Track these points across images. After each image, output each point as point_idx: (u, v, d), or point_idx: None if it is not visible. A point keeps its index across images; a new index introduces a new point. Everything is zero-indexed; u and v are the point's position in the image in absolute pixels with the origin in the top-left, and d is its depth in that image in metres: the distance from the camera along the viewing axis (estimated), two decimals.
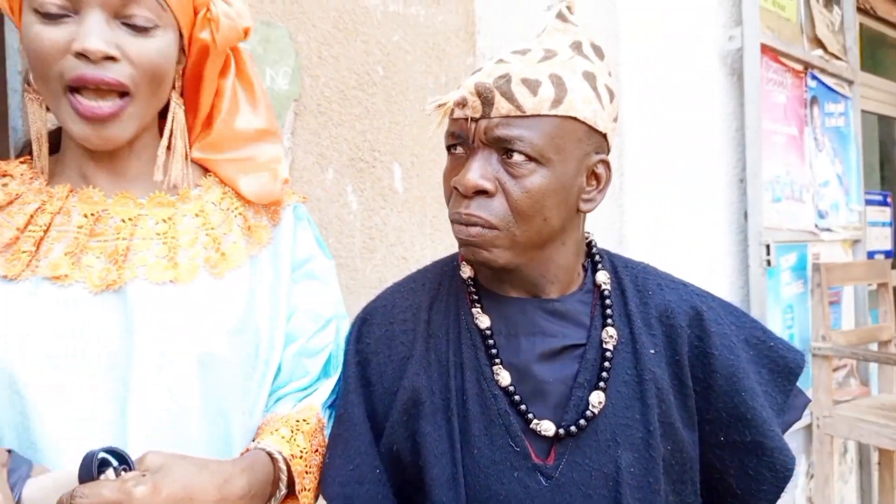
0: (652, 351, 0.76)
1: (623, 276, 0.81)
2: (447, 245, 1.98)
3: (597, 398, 0.73)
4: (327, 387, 0.85)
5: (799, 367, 0.81)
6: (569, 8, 0.79)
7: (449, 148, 0.76)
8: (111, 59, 0.68)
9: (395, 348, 0.80)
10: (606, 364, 0.75)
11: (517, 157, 0.70)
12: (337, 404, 0.82)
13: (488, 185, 0.70)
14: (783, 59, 2.12)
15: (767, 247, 1.91)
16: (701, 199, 1.97)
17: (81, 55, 0.67)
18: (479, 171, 0.70)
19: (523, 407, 0.74)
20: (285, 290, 0.84)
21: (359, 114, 1.81)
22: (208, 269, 0.77)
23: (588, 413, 0.73)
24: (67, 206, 0.74)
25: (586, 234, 0.83)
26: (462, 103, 0.71)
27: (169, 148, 0.77)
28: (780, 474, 0.77)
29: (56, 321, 0.69)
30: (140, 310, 0.71)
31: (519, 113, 0.69)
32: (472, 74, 0.74)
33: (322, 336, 0.86)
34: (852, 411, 2.07)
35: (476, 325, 0.77)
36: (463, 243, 0.74)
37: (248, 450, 0.75)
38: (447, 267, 0.85)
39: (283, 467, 0.73)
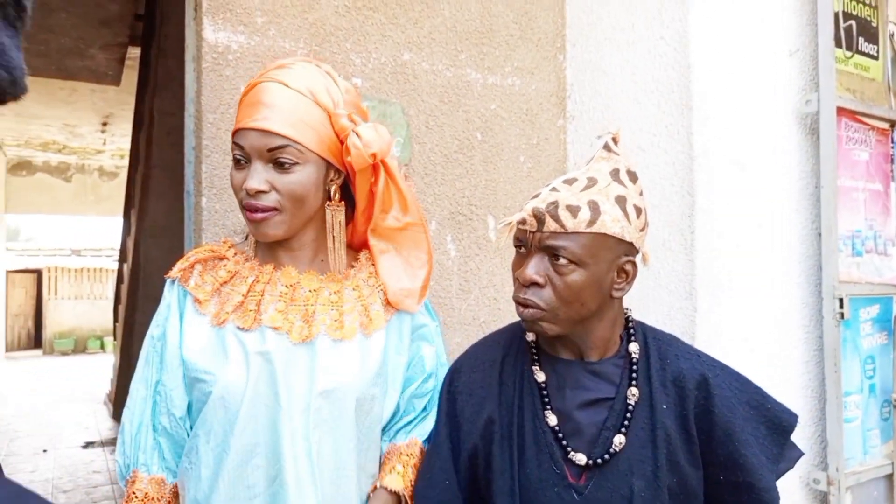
0: (664, 406, 0.99)
1: (651, 345, 1.04)
2: None
3: (619, 440, 0.97)
4: (429, 423, 1.14)
5: (791, 426, 1.02)
6: (614, 139, 1.03)
7: (517, 247, 1.02)
8: (263, 192, 1.02)
9: (476, 392, 1.07)
10: (628, 415, 0.98)
11: (562, 261, 0.95)
12: (431, 433, 1.09)
13: (539, 280, 0.96)
14: (864, 119, 2.21)
15: (841, 300, 2.00)
16: (777, 254, 2.09)
17: (246, 191, 1.03)
18: (534, 268, 0.96)
19: (564, 442, 0.99)
20: (406, 346, 1.14)
21: (459, 174, 2.10)
22: (361, 330, 1.07)
23: (612, 450, 0.97)
24: (273, 278, 1.07)
25: (625, 311, 1.06)
26: (523, 222, 0.98)
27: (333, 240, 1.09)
28: None
29: (272, 358, 1.01)
30: (322, 358, 1.03)
31: (563, 230, 0.95)
32: (531, 199, 0.99)
33: (428, 383, 1.16)
34: None
35: (535, 379, 1.04)
36: (522, 319, 1.00)
37: (374, 488, 1.07)
38: (517, 331, 1.11)
39: (405, 495, 1.06)
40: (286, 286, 1.06)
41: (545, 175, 2.27)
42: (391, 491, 1.07)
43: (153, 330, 1.08)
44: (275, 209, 1.02)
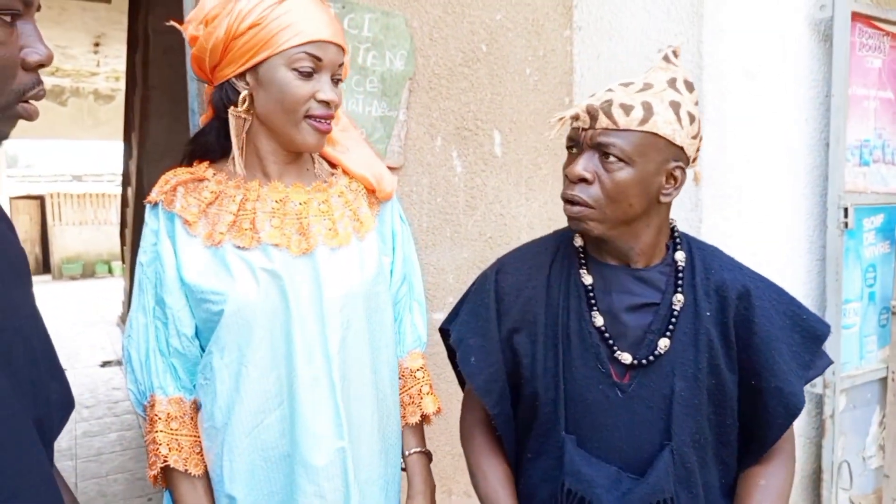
0: (708, 313, 1.02)
1: (695, 255, 1.07)
2: (540, 202, 2.23)
3: (664, 343, 1.01)
4: (416, 329, 1.25)
5: (824, 334, 1.04)
6: (675, 52, 1.04)
7: (568, 148, 1.03)
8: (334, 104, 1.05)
9: (523, 293, 1.10)
10: (673, 320, 1.02)
11: (611, 158, 0.96)
12: (479, 328, 1.12)
13: (588, 175, 0.98)
14: (879, 24, 2.15)
15: (846, 210, 2.01)
16: (785, 165, 2.08)
17: (324, 102, 1.03)
18: (583, 165, 0.98)
19: (611, 342, 1.03)
20: (389, 248, 1.19)
21: (464, 87, 2.07)
22: (355, 234, 1.10)
23: (657, 352, 1.01)
24: (262, 195, 1.07)
25: (671, 221, 1.08)
26: (576, 118, 0.99)
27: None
28: (791, 412, 1.01)
29: (280, 274, 1.04)
30: (325, 267, 1.05)
31: (615, 127, 0.96)
32: (588, 98, 1.00)
33: (403, 286, 1.23)
34: None
35: (582, 282, 1.06)
36: (569, 217, 1.02)
37: (414, 452, 1.22)
38: (564, 236, 1.14)
39: (428, 452, 1.23)
40: (276, 201, 1.07)
41: (551, 88, 2.24)
42: (423, 453, 1.22)
43: (142, 257, 1.08)
44: (333, 118, 1.07)
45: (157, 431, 1.05)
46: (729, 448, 1.05)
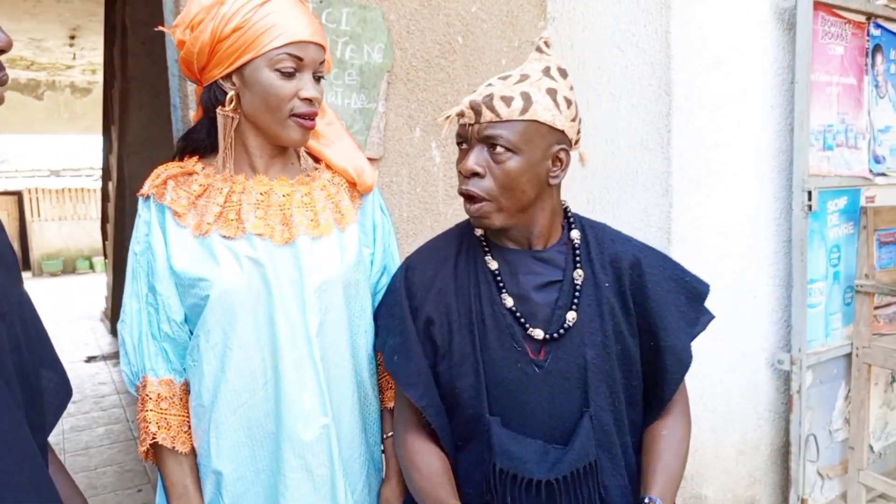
0: (606, 284, 1.10)
1: (588, 233, 1.14)
2: None
3: (571, 316, 1.07)
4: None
5: (704, 292, 1.15)
6: (546, 42, 1.09)
7: (458, 144, 1.08)
8: (317, 101, 1.10)
9: (433, 286, 1.14)
10: (577, 294, 1.08)
11: (499, 149, 1.01)
12: (396, 327, 1.16)
13: (479, 169, 1.03)
14: (841, 13, 2.22)
15: (809, 193, 2.10)
16: (752, 150, 2.16)
17: (307, 99, 1.08)
18: (474, 159, 1.03)
19: (522, 320, 1.08)
20: (370, 239, 1.25)
21: (441, 79, 2.12)
22: (336, 225, 1.15)
23: (566, 325, 1.07)
24: (247, 187, 1.13)
25: (563, 202, 1.15)
26: (461, 114, 1.04)
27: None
28: (683, 366, 1.11)
29: (262, 262, 1.09)
30: (306, 255, 1.11)
31: (498, 119, 1.01)
32: (469, 96, 1.05)
33: (383, 277, 1.28)
34: (890, 343, 2.26)
35: (488, 268, 1.11)
36: (470, 215, 1.07)
37: (387, 437, 1.26)
38: (466, 228, 1.19)
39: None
40: (261, 193, 1.12)
41: None
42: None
43: (135, 246, 1.14)
44: (316, 114, 1.12)
45: (147, 410, 1.11)
46: (636, 408, 1.13)
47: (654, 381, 1.12)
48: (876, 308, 2.36)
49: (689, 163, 2.00)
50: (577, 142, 1.10)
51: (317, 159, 1.24)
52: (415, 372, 1.10)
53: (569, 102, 1.05)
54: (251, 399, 1.10)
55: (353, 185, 1.23)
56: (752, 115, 2.13)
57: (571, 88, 1.07)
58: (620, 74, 2.10)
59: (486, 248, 1.13)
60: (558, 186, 1.10)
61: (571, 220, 1.15)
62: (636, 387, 1.11)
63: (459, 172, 1.06)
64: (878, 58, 2.40)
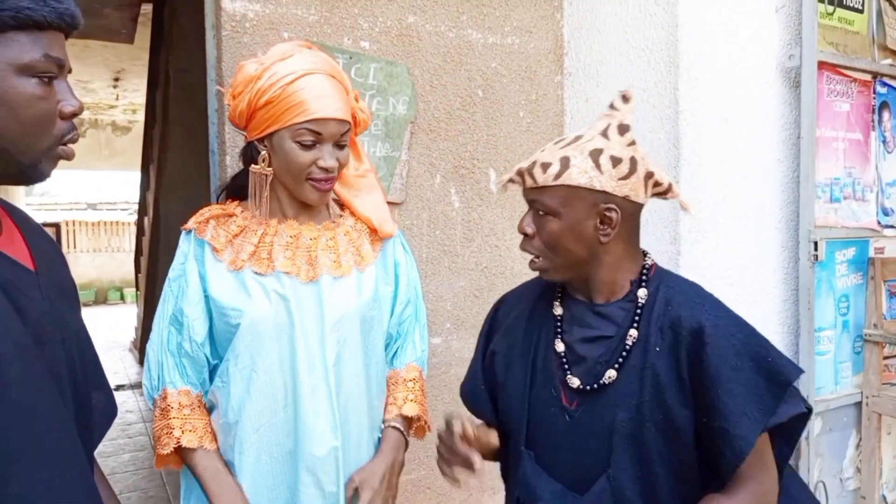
0: (657, 348, 1.06)
1: (660, 292, 1.11)
2: None
3: (610, 373, 1.08)
4: (417, 346, 1.43)
5: (788, 380, 1.02)
6: (624, 97, 1.12)
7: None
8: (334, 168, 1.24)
9: (508, 321, 1.26)
10: (624, 353, 1.08)
11: (541, 212, 1.09)
12: (477, 351, 1.32)
13: (529, 230, 1.12)
14: (846, 72, 2.32)
15: (815, 243, 2.17)
16: (759, 201, 2.24)
17: (324, 168, 1.22)
18: (525, 221, 1.12)
19: (566, 367, 1.13)
20: (391, 277, 1.38)
21: (461, 129, 2.25)
22: (356, 266, 1.29)
23: (602, 381, 1.09)
24: (279, 230, 1.28)
25: (645, 259, 1.16)
26: (513, 180, 1.14)
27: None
28: (737, 455, 1.00)
29: (288, 297, 1.23)
30: (327, 293, 1.25)
31: (536, 185, 1.09)
32: (520, 163, 1.14)
33: (407, 309, 1.41)
34: None
35: (553, 313, 1.19)
36: (530, 268, 1.16)
37: (388, 426, 1.35)
38: None
39: (405, 433, 1.37)
40: (290, 236, 1.28)
41: (544, 129, 2.42)
42: (407, 417, 1.36)
43: (171, 273, 1.29)
44: (333, 180, 1.27)
45: (171, 418, 1.23)
46: (687, 485, 1.06)
47: (711, 461, 1.04)
48: (886, 358, 2.39)
49: (697, 213, 2.09)
50: (662, 193, 1.10)
51: (343, 205, 1.38)
52: (472, 390, 1.27)
53: (615, 161, 1.05)
54: (272, 419, 1.22)
55: (374, 231, 1.36)
56: (758, 169, 2.22)
57: (630, 144, 1.08)
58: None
59: (559, 295, 1.19)
60: (618, 243, 1.10)
61: (645, 276, 1.13)
62: (684, 462, 1.05)
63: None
64: (885, 114, 2.49)
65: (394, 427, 1.36)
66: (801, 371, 1.04)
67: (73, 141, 0.89)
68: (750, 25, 2.20)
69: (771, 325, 2.28)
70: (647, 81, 2.17)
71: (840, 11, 2.33)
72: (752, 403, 1.01)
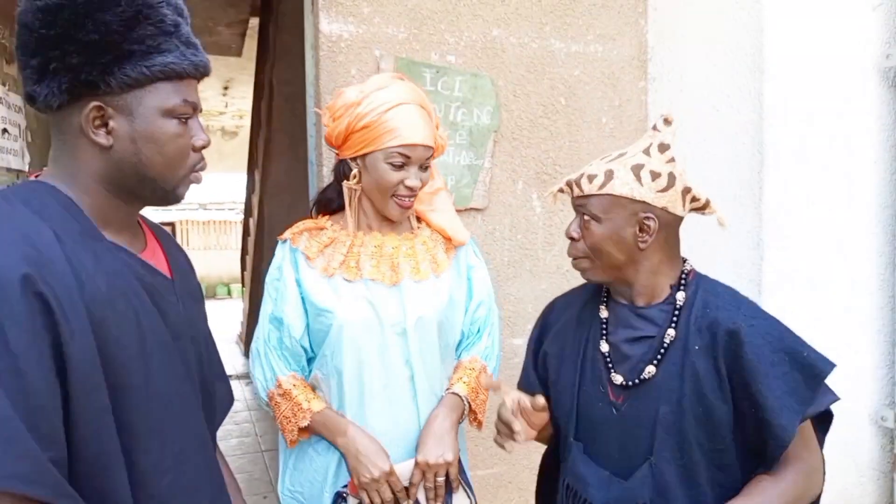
0: (696, 347, 1.15)
1: (699, 295, 1.19)
2: None
3: (650, 370, 1.18)
4: (484, 342, 1.54)
5: (823, 372, 1.11)
6: (666, 120, 1.21)
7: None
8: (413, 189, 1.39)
9: (558, 324, 1.36)
10: (662, 350, 1.18)
11: (586, 218, 1.19)
12: (530, 350, 1.42)
13: (575, 235, 1.22)
14: None
15: None
16: (850, 204, 2.18)
17: (409, 187, 1.37)
18: (573, 226, 1.23)
19: (610, 365, 1.23)
20: (464, 282, 1.51)
21: (544, 137, 2.32)
22: (433, 272, 1.44)
23: (643, 377, 1.19)
24: (365, 241, 1.43)
25: (683, 264, 1.24)
26: (562, 190, 1.24)
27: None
28: (780, 443, 1.09)
29: (374, 300, 1.39)
30: (408, 295, 1.40)
31: (582, 194, 1.19)
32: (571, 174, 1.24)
33: (480, 310, 1.53)
34: None
35: (600, 316, 1.29)
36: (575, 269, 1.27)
37: (448, 392, 1.46)
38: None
39: (466, 402, 1.45)
40: (375, 246, 1.43)
41: (627, 133, 2.44)
42: (456, 394, 1.46)
43: (268, 278, 1.47)
44: (415, 197, 1.43)
45: (295, 396, 1.40)
46: (725, 472, 1.15)
47: (755, 449, 1.13)
48: None
49: (781, 218, 2.07)
50: (700, 208, 1.19)
51: (419, 217, 1.53)
52: (526, 384, 1.38)
53: (655, 175, 1.15)
54: (359, 412, 1.39)
55: (448, 240, 1.50)
56: (851, 171, 2.16)
57: (669, 161, 1.17)
58: (715, 134, 2.21)
59: (605, 299, 1.29)
60: (657, 250, 1.19)
61: (683, 281, 1.22)
62: (723, 451, 1.14)
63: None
64: None
65: (452, 393, 1.46)
66: (833, 365, 1.12)
67: (202, 169, 1.05)
68: (842, 25, 2.14)
69: (867, 332, 2.21)
70: (730, 86, 2.17)
71: None
72: (792, 395, 1.09)
